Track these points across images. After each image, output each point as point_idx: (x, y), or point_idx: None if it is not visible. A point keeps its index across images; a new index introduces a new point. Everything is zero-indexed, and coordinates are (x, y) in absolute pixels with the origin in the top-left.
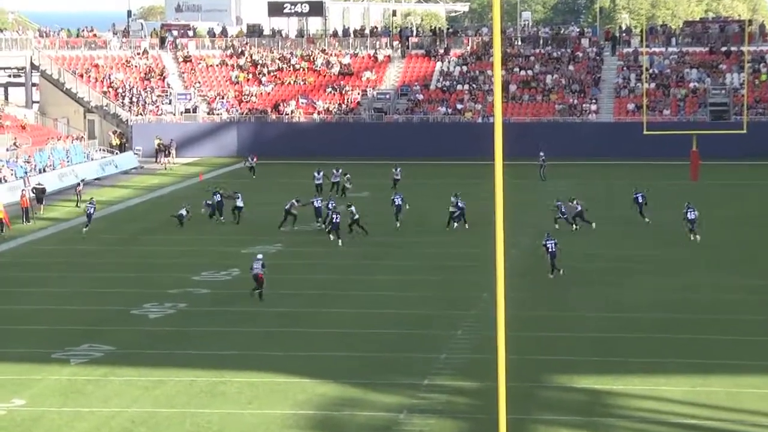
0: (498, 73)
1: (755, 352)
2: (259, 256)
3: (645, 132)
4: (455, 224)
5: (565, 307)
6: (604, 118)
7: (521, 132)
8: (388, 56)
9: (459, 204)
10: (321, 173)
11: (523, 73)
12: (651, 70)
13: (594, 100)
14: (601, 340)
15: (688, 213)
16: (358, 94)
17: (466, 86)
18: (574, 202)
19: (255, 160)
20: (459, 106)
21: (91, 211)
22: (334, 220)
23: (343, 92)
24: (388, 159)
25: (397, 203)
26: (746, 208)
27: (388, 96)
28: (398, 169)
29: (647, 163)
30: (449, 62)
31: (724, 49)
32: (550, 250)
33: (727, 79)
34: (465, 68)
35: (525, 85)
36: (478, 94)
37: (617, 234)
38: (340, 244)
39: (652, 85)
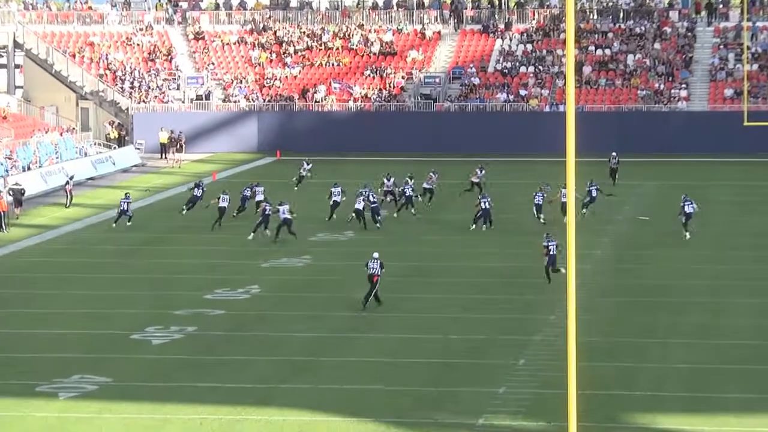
0: (570, 53)
1: None
2: (376, 254)
3: (746, 123)
4: (482, 226)
5: (647, 331)
6: (696, 107)
7: (597, 123)
8: (438, 32)
9: (485, 204)
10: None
11: (599, 52)
12: (754, 49)
13: (684, 85)
14: (692, 372)
15: (686, 206)
16: (402, 77)
17: (531, 68)
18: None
19: (309, 166)
20: (522, 92)
21: (125, 207)
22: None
23: (384, 76)
24: (437, 155)
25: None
26: None
27: (437, 80)
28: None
29: (749, 161)
30: (511, 39)
31: None
32: (551, 252)
33: None
34: (530, 47)
35: (602, 66)
36: (546, 77)
37: (711, 246)
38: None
39: (755, 66)
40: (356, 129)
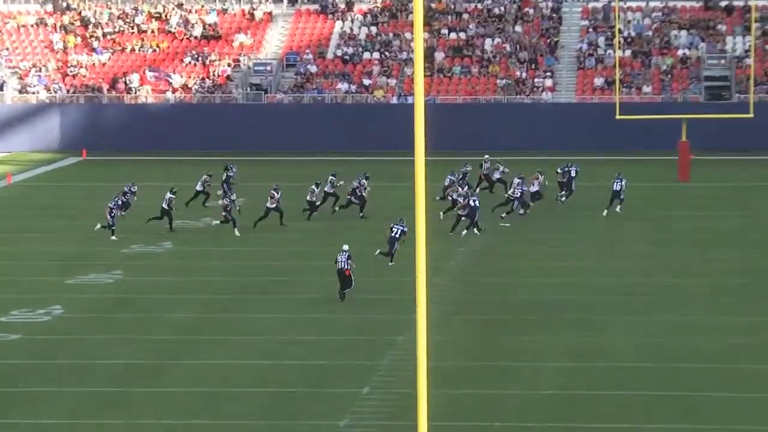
0: (419, 37)
1: None
2: (345, 247)
3: (618, 116)
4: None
5: (510, 353)
6: (563, 98)
7: (451, 116)
8: (269, 13)
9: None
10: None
11: (453, 36)
12: (626, 32)
13: (549, 74)
14: (562, 399)
15: (615, 183)
16: (228, 65)
17: (376, 54)
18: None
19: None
20: (366, 82)
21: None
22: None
23: (208, 63)
24: (268, 153)
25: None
26: (754, 218)
27: (269, 68)
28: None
29: (621, 159)
30: (353, 21)
31: (724, 3)
32: (393, 234)
33: (727, 45)
34: (374, 30)
35: (456, 52)
36: (392, 65)
37: (584, 256)
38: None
39: (628, 52)
40: (175, 124)
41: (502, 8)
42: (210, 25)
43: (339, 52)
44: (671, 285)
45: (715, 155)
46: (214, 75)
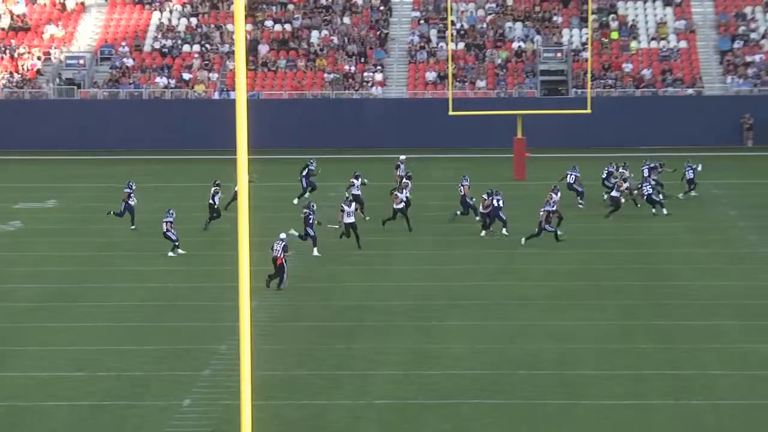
0: (241, 28)
1: None
2: (283, 235)
3: (451, 112)
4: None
5: (340, 362)
6: (393, 93)
7: (276, 112)
8: (82, 3)
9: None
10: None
11: (278, 28)
12: (459, 24)
13: (380, 68)
14: (393, 410)
15: (495, 200)
16: (39, 58)
17: (197, 47)
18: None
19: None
20: (186, 76)
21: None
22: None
23: (16, 56)
24: (82, 152)
25: None
26: (590, 218)
27: (82, 61)
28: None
29: (455, 156)
30: (171, 12)
31: None
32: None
33: (564, 38)
34: (194, 21)
35: (281, 45)
36: (214, 58)
37: (418, 260)
38: None
39: (461, 45)
40: None
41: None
42: (18, 15)
43: (157, 45)
44: (508, 289)
45: (552, 152)
46: (23, 69)
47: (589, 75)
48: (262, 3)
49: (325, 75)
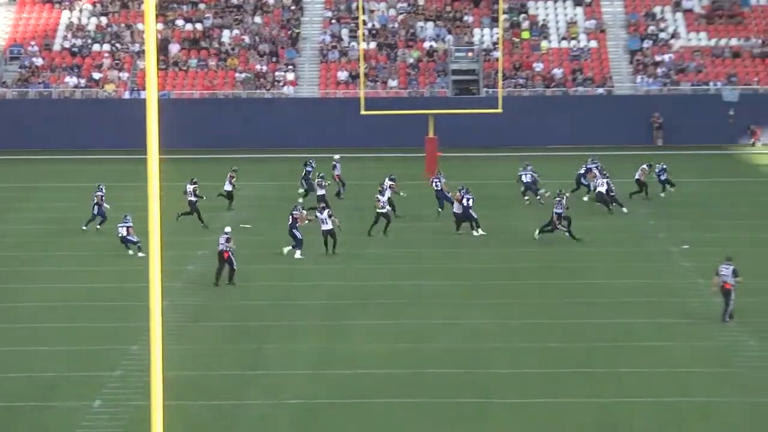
0: (151, 27)
1: None
2: (228, 229)
3: (363, 112)
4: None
5: (251, 362)
6: (305, 92)
7: (187, 112)
8: None
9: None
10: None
11: (189, 27)
12: (371, 24)
13: (291, 67)
14: (305, 409)
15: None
16: None
17: (107, 46)
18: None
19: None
20: (96, 76)
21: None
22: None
23: None
24: None
25: None
26: (504, 218)
27: None
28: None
29: (367, 156)
30: (81, 11)
31: None
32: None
33: (475, 37)
34: (104, 20)
35: (192, 44)
36: (124, 57)
37: (328, 260)
38: None
39: (373, 45)
40: None
41: None
42: None
43: (67, 44)
44: (420, 287)
45: (464, 151)
46: None
47: (500, 74)
48: (172, 2)
49: (237, 74)
